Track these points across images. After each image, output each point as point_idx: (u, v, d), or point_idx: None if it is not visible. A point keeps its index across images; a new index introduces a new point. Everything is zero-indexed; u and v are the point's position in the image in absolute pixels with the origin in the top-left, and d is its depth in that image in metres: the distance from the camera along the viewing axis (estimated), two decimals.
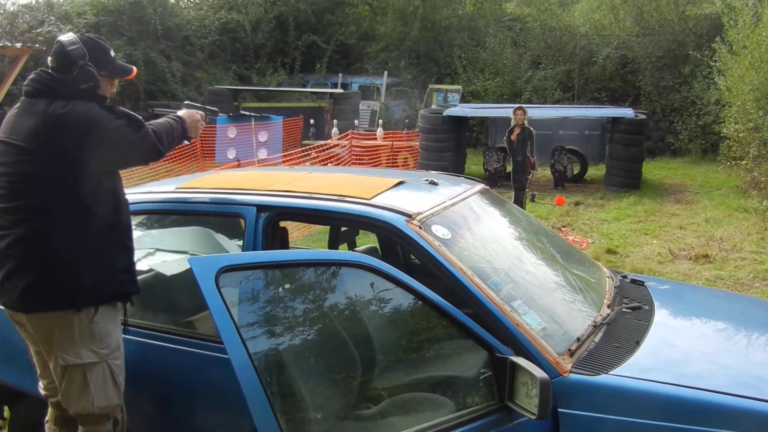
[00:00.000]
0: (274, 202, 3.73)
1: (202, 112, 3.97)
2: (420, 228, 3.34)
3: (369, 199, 3.59)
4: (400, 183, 4.03)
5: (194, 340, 3.71)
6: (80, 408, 3.43)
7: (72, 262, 3.35)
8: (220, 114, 4.72)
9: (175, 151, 17.57)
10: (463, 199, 4.04)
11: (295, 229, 10.14)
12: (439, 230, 3.42)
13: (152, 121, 3.62)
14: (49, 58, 3.47)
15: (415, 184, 4.19)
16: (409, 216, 3.40)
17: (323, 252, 3.92)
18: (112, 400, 3.46)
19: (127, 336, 3.72)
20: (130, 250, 3.60)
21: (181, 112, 3.87)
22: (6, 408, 4.45)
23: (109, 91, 3.61)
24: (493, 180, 16.47)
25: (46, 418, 3.77)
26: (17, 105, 3.48)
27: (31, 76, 3.49)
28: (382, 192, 3.76)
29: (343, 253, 4.13)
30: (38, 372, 3.68)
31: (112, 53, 3.64)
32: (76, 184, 3.32)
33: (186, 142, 3.96)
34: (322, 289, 3.12)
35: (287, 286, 3.05)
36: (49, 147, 3.30)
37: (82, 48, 3.42)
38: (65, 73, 3.40)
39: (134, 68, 3.82)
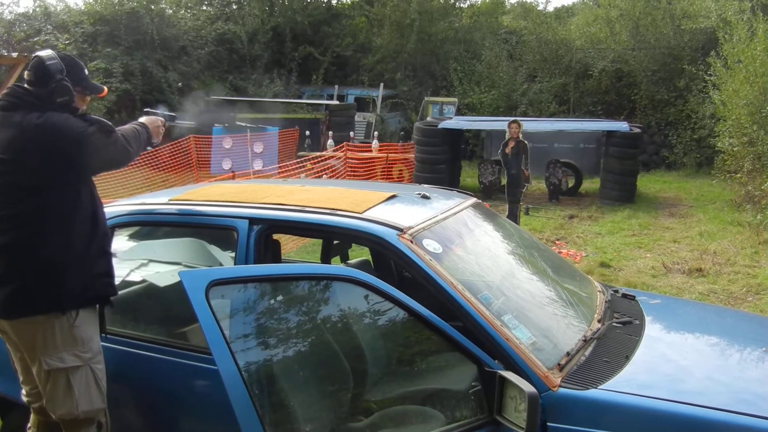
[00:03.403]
0: (266, 215, 3.75)
1: (162, 119, 4.13)
2: (411, 242, 3.36)
3: (361, 213, 3.61)
4: (393, 197, 4.04)
5: (186, 352, 3.71)
6: (65, 412, 3.47)
7: (55, 269, 3.44)
8: (191, 125, 4.87)
9: (170, 161, 17.63)
10: (455, 213, 4.05)
11: (289, 240, 10.15)
12: (430, 244, 3.43)
13: (119, 128, 3.75)
14: (26, 73, 3.60)
15: (408, 197, 4.21)
16: (400, 230, 3.42)
17: (312, 266, 3.93)
18: (96, 404, 3.52)
19: (121, 347, 3.76)
20: (108, 255, 3.71)
21: (143, 119, 4.02)
22: None
23: (82, 106, 3.73)
24: (488, 193, 16.50)
25: (29, 424, 3.82)
26: None
27: (6, 91, 3.62)
28: (374, 206, 3.77)
29: (332, 267, 4.14)
30: (21, 378, 3.74)
31: (86, 71, 3.79)
32: (55, 192, 3.44)
33: (149, 148, 4.08)
34: (312, 302, 3.14)
35: (277, 299, 3.06)
36: (27, 157, 3.41)
37: (60, 63, 3.56)
38: (42, 87, 3.52)
39: (105, 88, 4.02)
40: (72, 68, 3.62)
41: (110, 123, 3.64)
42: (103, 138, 3.53)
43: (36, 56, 3.58)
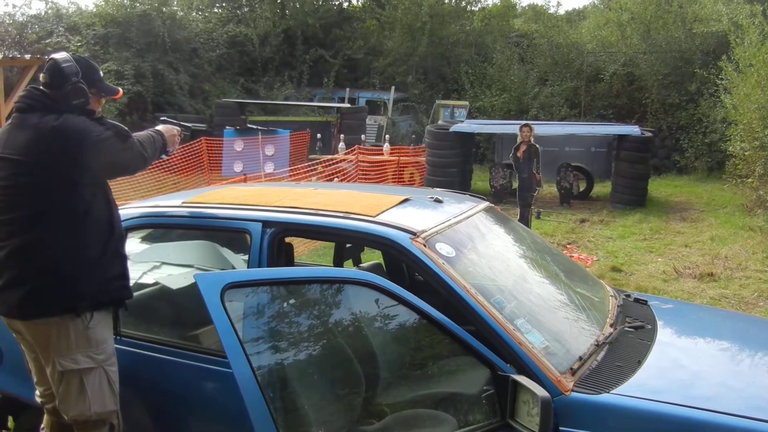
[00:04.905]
0: (280, 218, 3.76)
1: (178, 128, 4.14)
2: (424, 246, 3.37)
3: (374, 217, 3.62)
4: (405, 200, 4.05)
5: (199, 354, 3.73)
6: (77, 413, 3.50)
7: (70, 271, 3.47)
8: (202, 128, 4.90)
9: (182, 164, 17.67)
10: (468, 217, 4.06)
11: (300, 244, 10.16)
12: (443, 248, 3.44)
13: (135, 133, 3.77)
14: (41, 75, 3.63)
15: (420, 201, 4.22)
16: (413, 234, 3.43)
17: (327, 269, 3.95)
18: (108, 406, 3.54)
19: (134, 349, 3.79)
20: (123, 257, 3.72)
21: (159, 127, 4.05)
22: (10, 418, 4.48)
23: (97, 108, 3.76)
24: (499, 196, 16.45)
25: (42, 425, 3.85)
26: (8, 121, 3.62)
27: (22, 92, 3.65)
28: (387, 209, 3.78)
29: (346, 270, 4.16)
30: (35, 379, 3.77)
31: (101, 73, 3.82)
32: (70, 194, 3.47)
33: (164, 156, 4.10)
34: (326, 305, 3.15)
35: (291, 302, 3.08)
36: (44, 158, 3.43)
37: (75, 66, 3.59)
38: (57, 89, 3.55)
39: (120, 90, 4.04)
40: (87, 70, 3.65)
41: (127, 128, 3.67)
42: (119, 143, 3.55)
43: (51, 59, 3.61)
